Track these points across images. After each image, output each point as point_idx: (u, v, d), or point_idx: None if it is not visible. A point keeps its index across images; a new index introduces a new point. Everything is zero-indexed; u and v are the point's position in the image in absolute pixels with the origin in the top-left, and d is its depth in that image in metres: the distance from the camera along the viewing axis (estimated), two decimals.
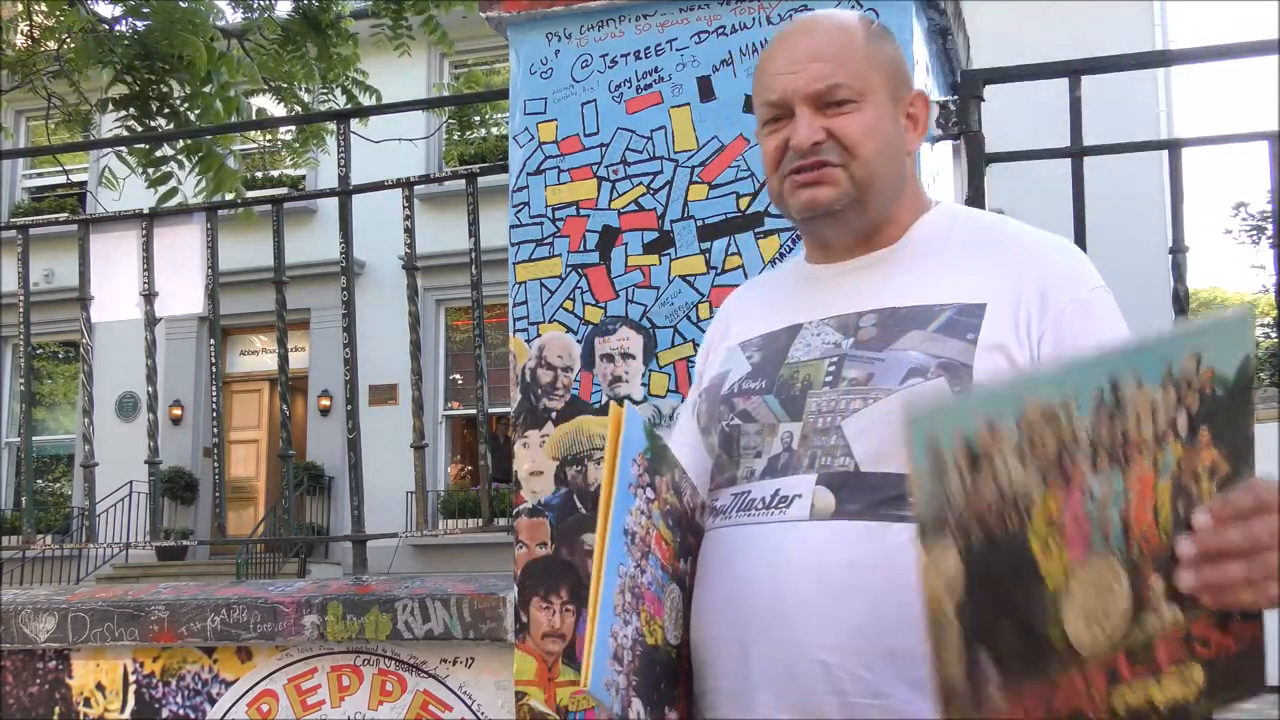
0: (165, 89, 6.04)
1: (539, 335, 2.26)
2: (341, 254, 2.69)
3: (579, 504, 2.19)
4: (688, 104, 2.20)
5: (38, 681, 2.57)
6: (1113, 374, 0.99)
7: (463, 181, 2.67)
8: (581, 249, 2.25)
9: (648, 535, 1.28)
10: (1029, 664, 1.01)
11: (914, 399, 1.21)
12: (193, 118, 6.04)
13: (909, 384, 1.25)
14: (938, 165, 2.34)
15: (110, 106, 6.03)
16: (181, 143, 5.87)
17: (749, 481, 1.32)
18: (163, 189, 5.75)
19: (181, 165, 5.91)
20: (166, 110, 6.06)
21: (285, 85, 7.07)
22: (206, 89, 5.86)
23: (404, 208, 2.67)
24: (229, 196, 5.87)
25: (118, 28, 6.17)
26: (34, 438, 10.52)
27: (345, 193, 2.69)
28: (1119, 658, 1.02)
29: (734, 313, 1.52)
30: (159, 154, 5.85)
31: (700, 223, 2.18)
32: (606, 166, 2.25)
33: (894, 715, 1.19)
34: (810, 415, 1.29)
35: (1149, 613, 1.02)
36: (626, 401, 1.32)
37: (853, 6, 2.11)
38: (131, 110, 5.96)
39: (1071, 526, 1.00)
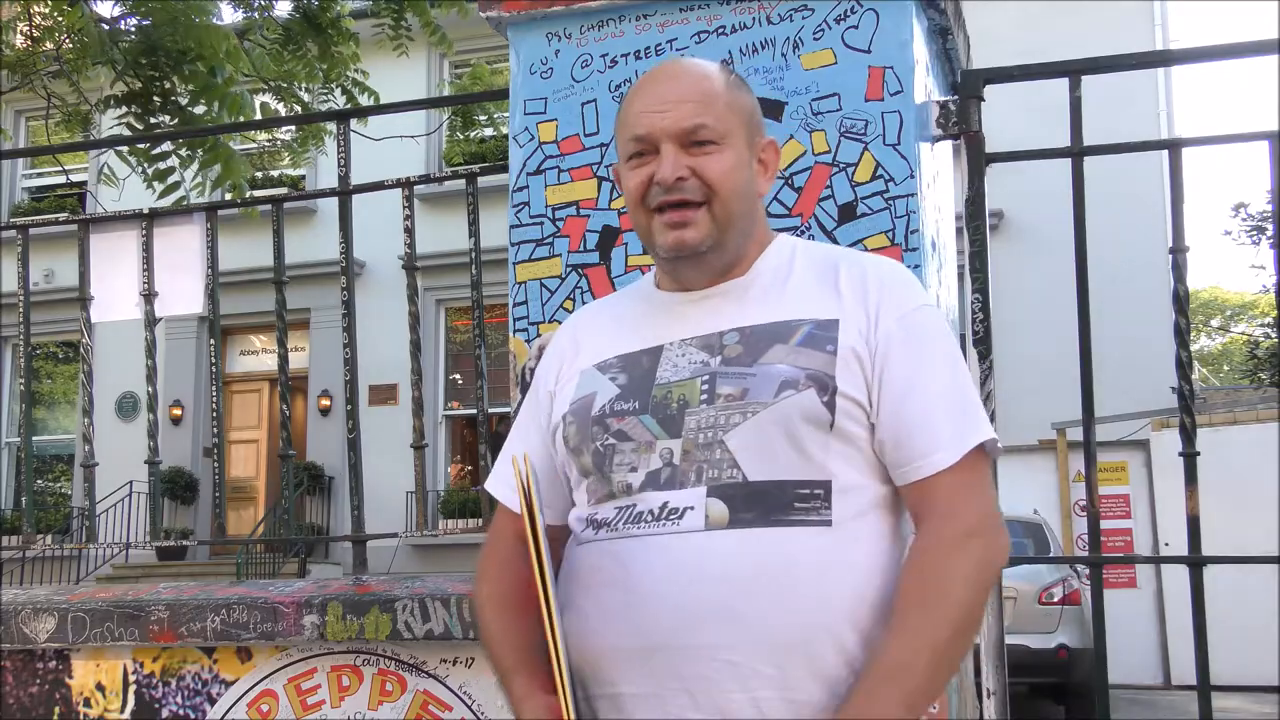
0: (168, 86, 6.04)
1: (539, 335, 2.26)
2: (341, 254, 2.69)
3: None
4: None
5: (38, 681, 2.57)
6: None
7: (463, 181, 2.67)
8: (581, 249, 2.25)
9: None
10: None
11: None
12: (199, 111, 6.03)
13: (783, 396, 1.34)
14: (938, 165, 2.34)
15: (112, 103, 6.02)
16: (182, 140, 5.86)
17: (628, 495, 1.38)
18: (161, 186, 5.75)
19: (182, 161, 5.90)
20: (169, 107, 6.05)
21: (285, 85, 7.06)
22: (215, 80, 5.84)
23: (404, 208, 2.67)
24: (229, 195, 5.88)
25: (120, 25, 6.16)
26: (34, 438, 10.52)
27: (345, 193, 2.69)
28: None
29: (582, 335, 1.56)
30: (160, 150, 5.85)
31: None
32: (606, 166, 2.25)
33: (797, 705, 1.28)
34: (690, 432, 1.36)
35: None
36: (526, 457, 1.39)
37: (851, 8, 2.11)
38: (133, 108, 5.96)
39: None
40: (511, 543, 1.49)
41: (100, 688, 2.53)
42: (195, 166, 5.97)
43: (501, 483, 1.57)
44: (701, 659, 1.29)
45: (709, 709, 1.29)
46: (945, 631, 1.26)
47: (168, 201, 5.61)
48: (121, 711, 2.50)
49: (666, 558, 1.33)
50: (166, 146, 5.86)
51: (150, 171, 5.85)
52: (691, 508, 1.33)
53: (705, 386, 1.38)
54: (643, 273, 2.20)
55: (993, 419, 1.91)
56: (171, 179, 5.79)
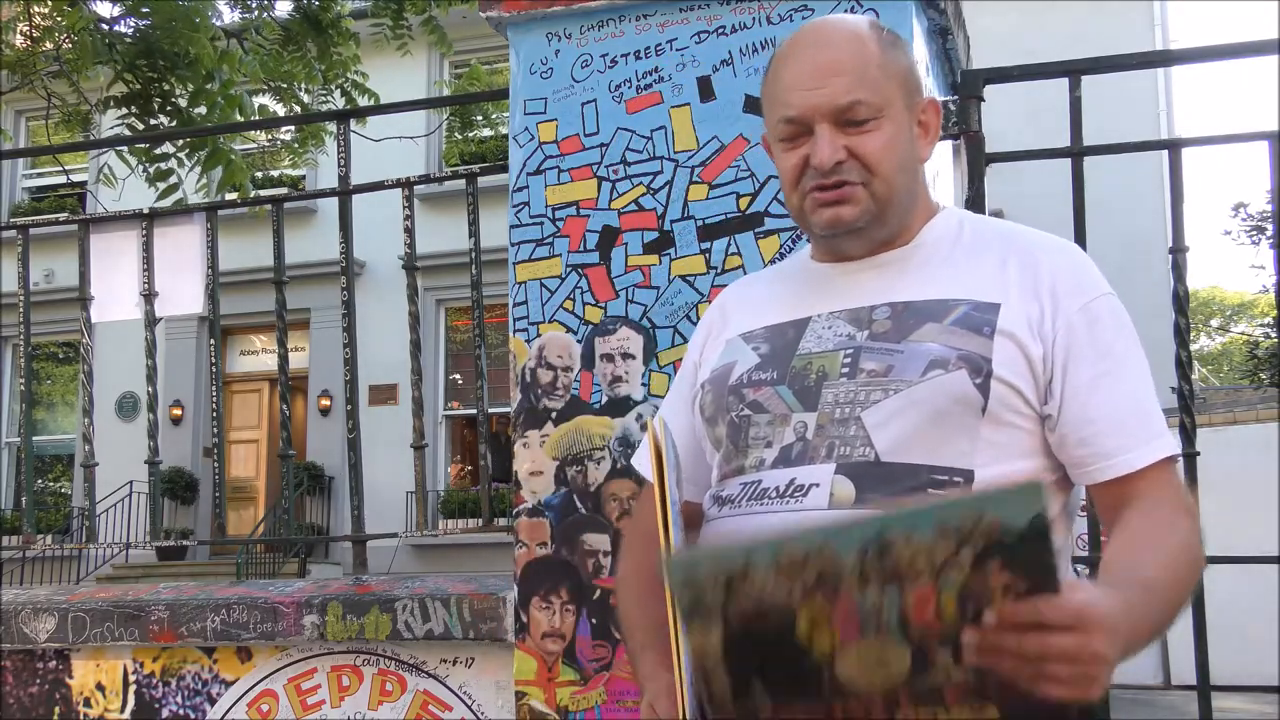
0: (167, 87, 6.04)
1: (539, 335, 2.26)
2: (341, 254, 2.69)
3: (579, 504, 2.19)
4: (688, 104, 2.20)
5: (38, 681, 2.57)
6: (876, 534, 1.00)
7: (463, 181, 2.67)
8: (581, 249, 2.25)
9: None
10: (800, 692, 1.05)
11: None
12: (195, 115, 6.04)
13: (930, 375, 1.26)
14: (938, 165, 2.34)
15: (111, 104, 6.03)
16: (182, 140, 5.87)
17: (759, 471, 1.32)
18: (162, 185, 5.75)
19: (182, 163, 5.90)
20: (168, 109, 6.06)
21: (285, 85, 7.07)
22: (210, 86, 5.85)
23: (404, 208, 2.67)
24: (232, 195, 5.88)
25: (118, 27, 6.17)
26: (34, 438, 10.52)
27: (345, 193, 2.69)
28: (901, 693, 1.04)
29: (732, 305, 1.51)
30: (160, 151, 5.85)
31: (700, 223, 2.18)
32: (606, 166, 2.25)
33: None
34: (827, 406, 1.29)
35: (935, 670, 1.03)
36: (663, 421, 1.31)
37: (852, 8, 2.11)
38: (133, 109, 5.97)
39: (842, 618, 1.03)
40: (655, 520, 1.44)
41: (100, 688, 2.53)
42: (197, 169, 5.97)
43: (646, 457, 1.50)
44: None
45: None
46: (1179, 590, 1.18)
47: (168, 202, 5.61)
48: (121, 711, 2.50)
49: None
50: (167, 147, 5.86)
51: (151, 172, 5.86)
52: (817, 485, 1.26)
53: (847, 360, 1.30)
54: (643, 273, 2.21)
55: None
56: (171, 180, 5.79)
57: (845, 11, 2.11)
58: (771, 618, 1.03)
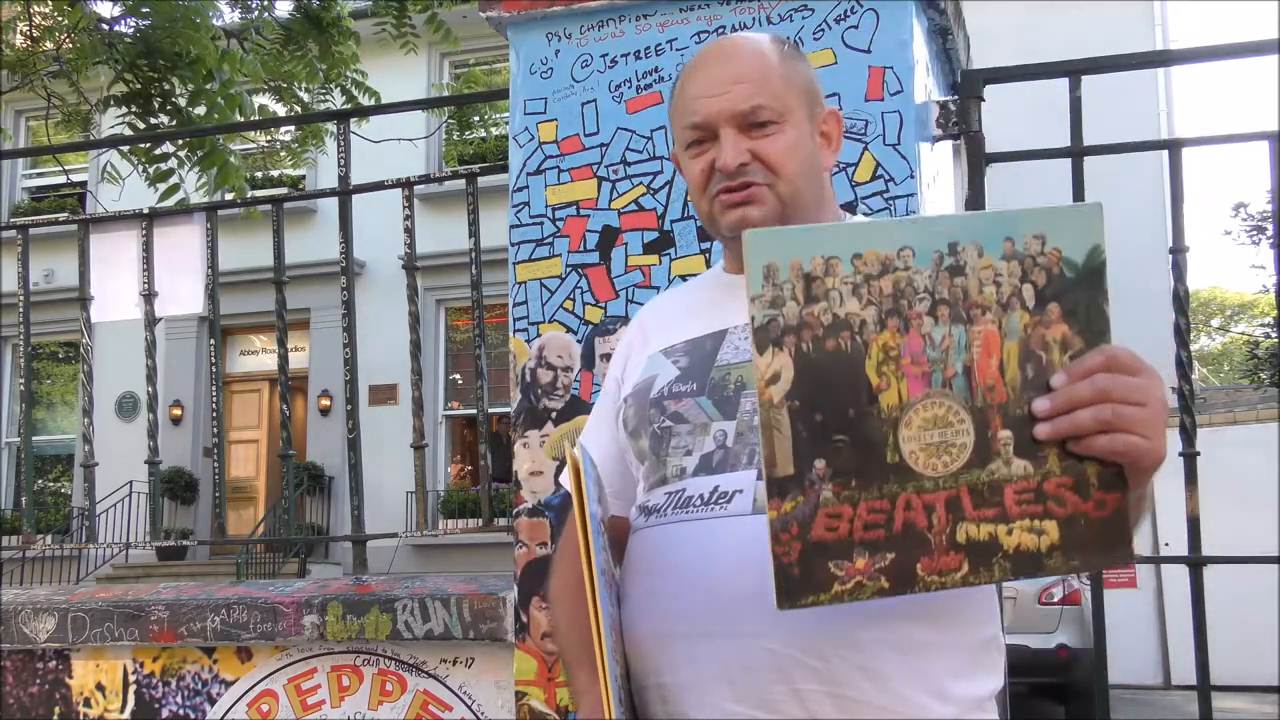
0: (167, 87, 6.05)
1: (539, 335, 2.26)
2: (341, 254, 2.69)
3: None
4: None
5: (38, 681, 2.57)
6: (952, 236, 1.06)
7: (463, 181, 2.67)
8: (581, 249, 2.25)
9: (609, 568, 1.31)
10: (863, 475, 1.07)
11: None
12: (195, 115, 6.04)
13: None
14: (938, 165, 2.34)
15: (111, 104, 6.03)
16: (182, 140, 5.87)
17: (681, 479, 1.34)
18: (163, 186, 5.75)
19: (182, 164, 5.91)
20: (169, 108, 6.06)
21: (285, 85, 7.06)
22: (209, 86, 5.85)
23: (404, 208, 2.68)
24: (230, 195, 5.89)
25: (118, 26, 6.17)
26: (34, 438, 10.51)
27: (345, 193, 2.70)
28: (962, 492, 1.07)
29: (651, 322, 1.54)
30: (160, 152, 5.85)
31: (700, 223, 2.18)
32: (606, 166, 2.25)
33: (846, 702, 1.22)
34: (745, 414, 1.32)
35: (996, 460, 1.07)
36: (580, 445, 1.33)
37: (852, 7, 2.11)
38: (133, 108, 5.97)
39: (910, 364, 1.06)
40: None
41: (100, 688, 2.53)
42: (197, 169, 5.97)
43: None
44: (740, 647, 1.24)
45: (750, 700, 1.24)
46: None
47: (170, 202, 5.61)
48: (121, 711, 2.50)
49: (710, 542, 1.28)
50: (167, 147, 5.86)
51: (151, 172, 5.86)
52: (740, 491, 1.28)
53: None
54: (643, 273, 2.21)
55: None
56: (172, 180, 5.79)
57: (845, 12, 2.11)
58: (843, 346, 1.06)
